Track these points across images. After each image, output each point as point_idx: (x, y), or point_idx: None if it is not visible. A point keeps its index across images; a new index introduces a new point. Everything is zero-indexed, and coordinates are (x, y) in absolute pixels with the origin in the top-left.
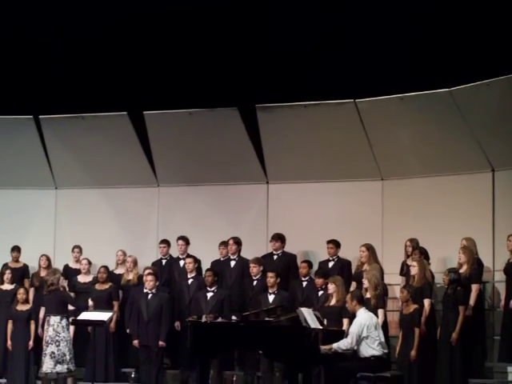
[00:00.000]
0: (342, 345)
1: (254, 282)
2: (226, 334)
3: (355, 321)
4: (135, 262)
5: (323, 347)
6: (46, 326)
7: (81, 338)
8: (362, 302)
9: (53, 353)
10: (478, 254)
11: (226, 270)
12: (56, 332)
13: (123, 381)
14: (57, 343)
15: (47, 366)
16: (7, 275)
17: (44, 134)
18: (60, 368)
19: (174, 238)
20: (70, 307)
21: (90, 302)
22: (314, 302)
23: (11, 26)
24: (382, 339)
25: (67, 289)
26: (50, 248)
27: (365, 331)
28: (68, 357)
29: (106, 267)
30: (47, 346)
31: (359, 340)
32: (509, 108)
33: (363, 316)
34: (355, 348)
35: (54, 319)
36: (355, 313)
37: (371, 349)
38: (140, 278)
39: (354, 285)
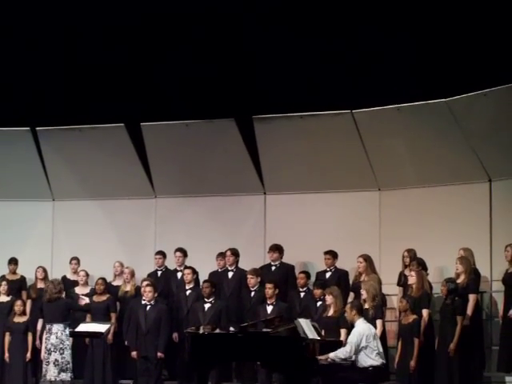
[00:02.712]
0: (341, 353)
1: (252, 293)
2: (224, 345)
3: (354, 330)
4: (132, 274)
5: (319, 357)
6: (46, 335)
7: (79, 349)
8: (361, 312)
9: (56, 360)
10: (476, 264)
11: (223, 281)
12: (60, 340)
13: None
14: (61, 351)
15: (51, 373)
16: (3, 287)
17: (41, 146)
18: (64, 376)
19: (171, 250)
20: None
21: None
22: (312, 313)
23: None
24: (381, 349)
25: None
26: (47, 260)
27: (364, 341)
28: (71, 365)
29: (103, 279)
30: (49, 354)
31: (358, 350)
32: (505, 118)
33: (362, 326)
34: (353, 358)
35: (58, 327)
36: (353, 323)
37: (370, 359)
38: (137, 289)
39: (351, 295)
